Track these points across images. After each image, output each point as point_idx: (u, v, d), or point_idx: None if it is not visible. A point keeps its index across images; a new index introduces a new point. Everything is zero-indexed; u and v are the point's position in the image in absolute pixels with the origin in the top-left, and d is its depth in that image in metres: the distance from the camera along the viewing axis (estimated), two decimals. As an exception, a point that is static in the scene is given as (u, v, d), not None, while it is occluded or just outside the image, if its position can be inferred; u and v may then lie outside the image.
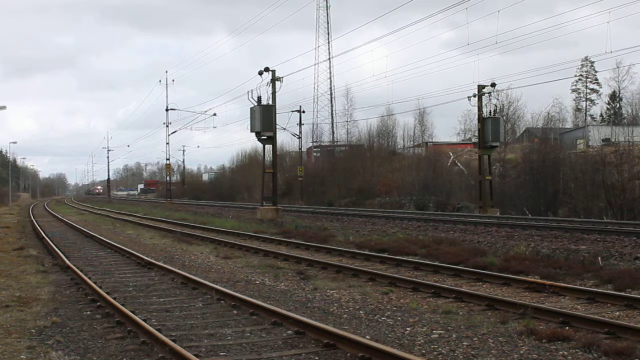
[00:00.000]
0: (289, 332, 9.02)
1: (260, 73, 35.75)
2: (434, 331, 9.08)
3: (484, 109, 38.19)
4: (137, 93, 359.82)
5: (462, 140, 79.18)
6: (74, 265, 16.05)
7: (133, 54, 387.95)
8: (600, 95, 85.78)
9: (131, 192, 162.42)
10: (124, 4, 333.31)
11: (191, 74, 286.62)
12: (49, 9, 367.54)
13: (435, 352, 8.00)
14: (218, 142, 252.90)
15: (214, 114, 65.17)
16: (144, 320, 9.47)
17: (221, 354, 8.11)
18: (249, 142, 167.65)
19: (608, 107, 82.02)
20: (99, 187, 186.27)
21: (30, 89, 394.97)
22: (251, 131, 36.15)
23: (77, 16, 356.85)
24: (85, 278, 13.84)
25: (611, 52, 45.97)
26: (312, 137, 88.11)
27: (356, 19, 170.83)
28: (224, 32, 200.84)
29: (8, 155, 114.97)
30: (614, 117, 77.59)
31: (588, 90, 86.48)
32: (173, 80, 77.49)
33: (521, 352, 7.91)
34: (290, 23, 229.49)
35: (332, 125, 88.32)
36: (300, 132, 62.77)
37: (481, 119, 38.39)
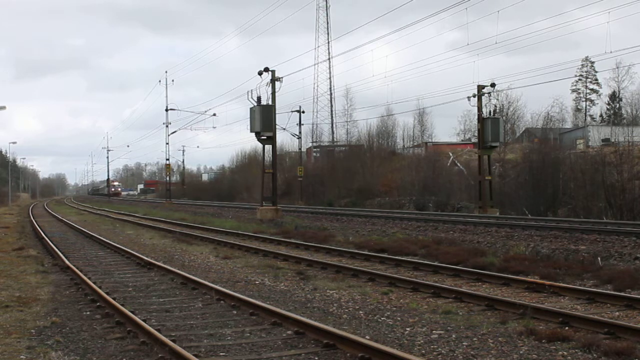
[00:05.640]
0: (289, 332, 9.02)
1: (260, 73, 35.75)
2: (434, 331, 9.08)
3: (484, 109, 38.23)
4: (145, 94, 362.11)
5: (462, 140, 79.14)
6: (74, 266, 16.04)
7: (143, 55, 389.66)
8: (600, 95, 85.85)
9: (131, 192, 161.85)
10: (136, 6, 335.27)
11: (198, 75, 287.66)
12: (62, 11, 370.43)
13: (435, 352, 8.00)
14: (220, 142, 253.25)
15: (214, 114, 65.21)
16: (144, 321, 9.47)
17: (221, 354, 8.11)
18: (250, 142, 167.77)
19: (608, 107, 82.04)
20: (115, 183, 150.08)
21: (40, 89, 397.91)
22: (251, 131, 36.19)
23: (89, 18, 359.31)
24: (85, 278, 13.84)
25: (611, 52, 45.96)
26: (312, 137, 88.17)
27: (365, 20, 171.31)
28: (232, 34, 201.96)
29: (8, 156, 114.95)
30: (613, 117, 77.58)
31: (588, 91, 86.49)
32: (173, 81, 77.18)
33: (521, 352, 7.92)
34: (298, 24, 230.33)
35: (332, 125, 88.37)
36: (300, 132, 62.87)
37: (481, 119, 38.41)
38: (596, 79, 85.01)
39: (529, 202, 40.70)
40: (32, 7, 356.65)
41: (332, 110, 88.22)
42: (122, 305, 10.73)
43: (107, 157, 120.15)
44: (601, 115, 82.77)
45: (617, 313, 10.13)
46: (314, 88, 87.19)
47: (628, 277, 12.71)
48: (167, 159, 76.65)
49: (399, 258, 16.85)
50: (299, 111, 60.11)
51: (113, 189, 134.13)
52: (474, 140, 60.83)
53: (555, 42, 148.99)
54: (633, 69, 76.70)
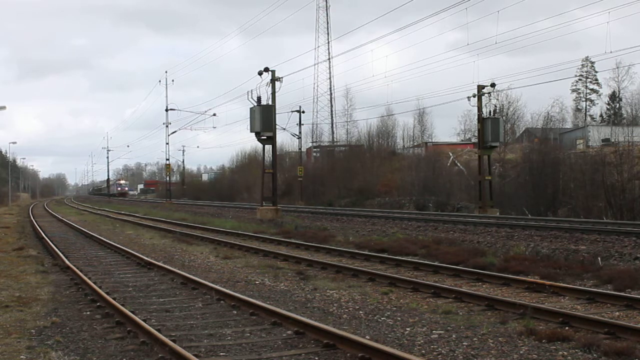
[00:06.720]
0: (289, 332, 9.02)
1: (260, 73, 35.76)
2: (434, 331, 9.08)
3: (484, 109, 38.25)
4: (146, 94, 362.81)
5: (462, 140, 79.11)
6: (74, 266, 16.04)
7: (145, 55, 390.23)
8: (600, 95, 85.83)
9: (131, 192, 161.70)
10: (138, 7, 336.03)
11: (199, 75, 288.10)
12: (64, 11, 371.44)
13: (435, 352, 8.00)
14: (220, 142, 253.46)
15: (214, 114, 65.28)
16: (144, 321, 9.47)
17: (221, 354, 8.11)
18: (250, 142, 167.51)
19: (608, 107, 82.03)
20: (122, 182, 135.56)
21: (42, 90, 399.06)
22: (251, 131, 36.21)
23: (92, 18, 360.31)
24: (85, 278, 13.84)
25: (611, 52, 45.97)
26: (312, 137, 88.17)
27: (365, 20, 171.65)
28: (234, 34, 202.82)
29: (8, 156, 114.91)
30: (613, 117, 77.58)
31: (588, 91, 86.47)
32: (173, 81, 77.37)
33: (521, 352, 7.92)
34: (298, 24, 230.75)
35: (332, 125, 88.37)
36: (300, 132, 62.89)
37: (481, 119, 38.42)
38: (596, 79, 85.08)
39: (529, 202, 40.71)
40: (34, 8, 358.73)
41: (332, 110, 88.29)
42: (122, 305, 10.73)
43: (107, 157, 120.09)
44: (601, 115, 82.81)
45: (617, 313, 10.13)
46: (314, 88, 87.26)
47: (628, 277, 12.71)
48: (167, 159, 76.78)
49: (399, 258, 16.85)
50: (299, 111, 60.15)
51: (119, 188, 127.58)
52: (474, 140, 60.82)
53: (556, 42, 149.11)
54: (633, 69, 76.79)
